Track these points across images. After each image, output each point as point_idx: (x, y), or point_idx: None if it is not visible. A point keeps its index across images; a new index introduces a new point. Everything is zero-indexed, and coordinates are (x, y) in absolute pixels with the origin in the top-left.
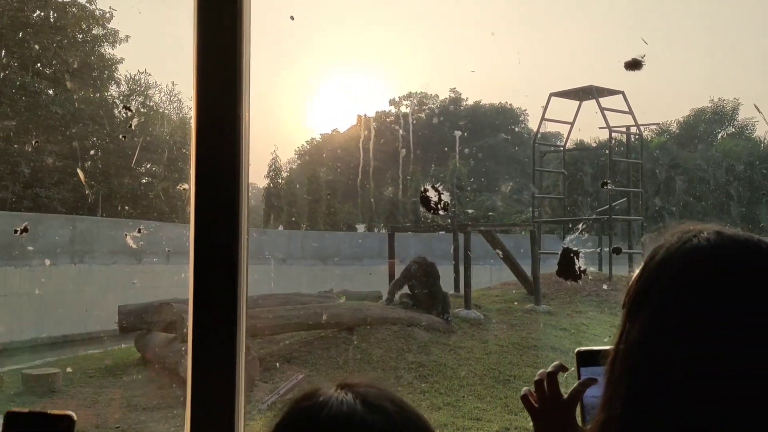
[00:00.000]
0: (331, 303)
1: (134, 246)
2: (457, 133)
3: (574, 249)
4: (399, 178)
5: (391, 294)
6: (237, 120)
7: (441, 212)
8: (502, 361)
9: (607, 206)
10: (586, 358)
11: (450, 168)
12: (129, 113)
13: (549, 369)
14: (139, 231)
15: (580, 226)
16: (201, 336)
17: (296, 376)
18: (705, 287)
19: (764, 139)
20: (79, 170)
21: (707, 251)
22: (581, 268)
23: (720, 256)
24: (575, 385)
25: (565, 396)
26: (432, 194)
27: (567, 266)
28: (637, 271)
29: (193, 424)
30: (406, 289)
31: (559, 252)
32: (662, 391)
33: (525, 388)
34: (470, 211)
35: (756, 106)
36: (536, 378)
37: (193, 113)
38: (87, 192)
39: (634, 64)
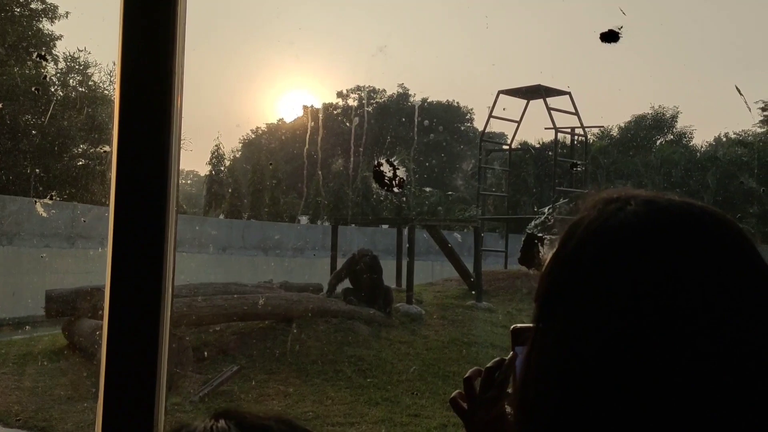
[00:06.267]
0: (270, 293)
1: (45, 215)
2: (420, 120)
3: (539, 235)
4: (344, 169)
5: (332, 286)
6: (167, 94)
7: (396, 189)
8: (442, 357)
9: (551, 206)
10: (524, 337)
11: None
12: (43, 63)
13: (489, 364)
14: (51, 198)
15: (534, 222)
16: (119, 326)
17: (231, 367)
18: (639, 277)
19: (701, 147)
20: None
21: (639, 227)
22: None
23: (657, 232)
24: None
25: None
26: (386, 169)
27: (530, 253)
28: (548, 256)
29: (105, 422)
30: (348, 283)
31: (518, 244)
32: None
33: (456, 392)
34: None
35: (737, 88)
36: (467, 375)
37: (116, 83)
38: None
39: (610, 36)
